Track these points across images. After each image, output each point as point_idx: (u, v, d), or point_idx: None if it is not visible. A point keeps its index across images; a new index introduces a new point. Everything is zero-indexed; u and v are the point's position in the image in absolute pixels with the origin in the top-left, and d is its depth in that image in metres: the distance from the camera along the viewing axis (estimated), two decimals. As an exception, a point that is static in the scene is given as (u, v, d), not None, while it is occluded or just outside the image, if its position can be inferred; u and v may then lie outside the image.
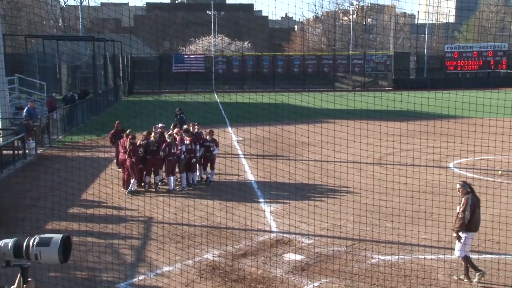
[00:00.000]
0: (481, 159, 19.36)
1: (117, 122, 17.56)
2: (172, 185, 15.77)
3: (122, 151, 15.81)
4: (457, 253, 9.47)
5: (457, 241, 9.39)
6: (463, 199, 9.34)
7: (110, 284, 9.53)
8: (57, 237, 2.90)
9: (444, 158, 19.51)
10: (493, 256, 10.62)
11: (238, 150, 22.35)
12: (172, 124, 18.12)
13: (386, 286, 9.38)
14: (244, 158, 20.57)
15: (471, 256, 9.58)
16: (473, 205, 9.30)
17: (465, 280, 9.44)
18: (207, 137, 16.71)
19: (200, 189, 16.05)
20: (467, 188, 9.48)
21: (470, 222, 9.25)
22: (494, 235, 11.44)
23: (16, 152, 19.39)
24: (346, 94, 36.67)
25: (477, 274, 9.40)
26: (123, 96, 47.61)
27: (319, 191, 15.83)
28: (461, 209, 9.21)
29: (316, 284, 9.40)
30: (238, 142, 23.74)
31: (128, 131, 16.10)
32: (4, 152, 18.54)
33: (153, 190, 15.82)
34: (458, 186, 9.58)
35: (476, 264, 9.54)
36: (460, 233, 9.32)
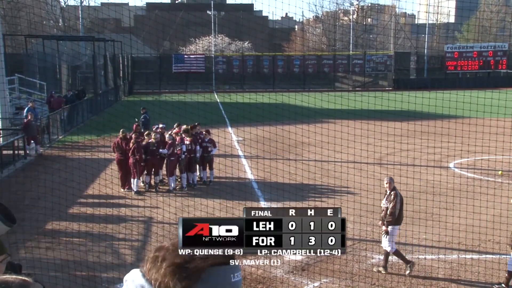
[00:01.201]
0: (481, 159, 19.36)
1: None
2: (172, 185, 15.80)
3: (119, 151, 15.83)
4: (386, 247, 9.78)
5: (384, 235, 9.78)
6: (392, 194, 9.76)
7: (110, 284, 9.53)
8: None
9: (444, 158, 19.51)
10: (493, 256, 10.62)
11: (238, 150, 22.35)
12: (175, 124, 18.06)
13: (386, 286, 9.39)
14: (244, 158, 20.56)
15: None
16: (401, 200, 9.80)
17: (382, 271, 9.78)
18: (205, 138, 16.71)
19: (200, 189, 16.05)
20: (393, 183, 9.95)
21: (398, 216, 9.74)
22: (494, 235, 11.45)
23: (16, 152, 19.40)
24: (346, 94, 36.66)
25: (408, 266, 9.70)
26: (123, 96, 47.58)
27: (319, 191, 15.83)
28: (392, 204, 9.65)
29: (316, 284, 9.41)
30: (238, 142, 23.73)
31: (121, 131, 16.13)
32: (4, 152, 18.55)
33: (153, 190, 15.85)
34: (386, 180, 10.01)
35: (404, 255, 9.87)
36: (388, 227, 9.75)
